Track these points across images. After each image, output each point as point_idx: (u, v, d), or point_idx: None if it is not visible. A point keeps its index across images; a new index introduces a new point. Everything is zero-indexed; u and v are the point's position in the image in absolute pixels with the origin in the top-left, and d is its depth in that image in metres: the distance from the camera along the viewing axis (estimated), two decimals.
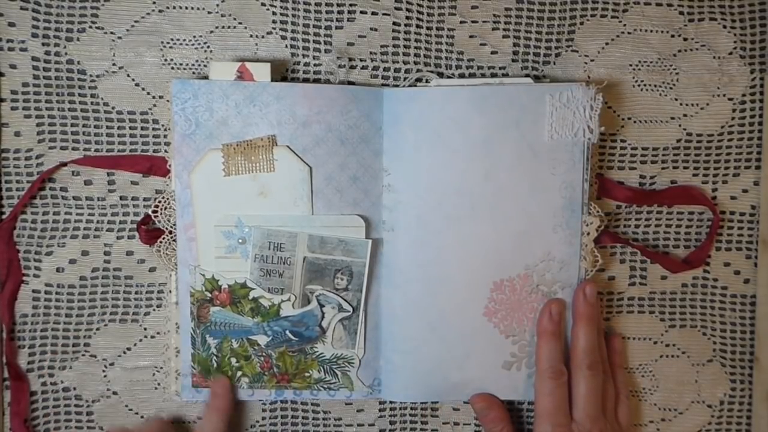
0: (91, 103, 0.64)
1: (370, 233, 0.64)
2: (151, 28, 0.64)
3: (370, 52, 0.66)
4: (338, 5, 0.66)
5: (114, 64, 0.64)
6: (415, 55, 0.66)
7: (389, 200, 0.64)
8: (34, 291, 0.65)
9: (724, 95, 0.68)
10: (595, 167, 0.67)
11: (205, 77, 0.63)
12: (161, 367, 0.67)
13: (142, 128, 0.65)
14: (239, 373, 0.65)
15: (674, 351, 0.70)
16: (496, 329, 0.65)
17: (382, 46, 0.66)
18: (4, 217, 0.64)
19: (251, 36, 0.65)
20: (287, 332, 0.64)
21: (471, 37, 0.67)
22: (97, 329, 0.66)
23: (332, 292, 0.64)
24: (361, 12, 0.66)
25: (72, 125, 0.64)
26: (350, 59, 0.66)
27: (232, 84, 0.62)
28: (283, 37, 0.65)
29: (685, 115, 0.68)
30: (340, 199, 0.63)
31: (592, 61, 0.67)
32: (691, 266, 0.68)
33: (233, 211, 0.63)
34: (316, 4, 0.65)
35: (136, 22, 0.64)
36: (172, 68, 0.65)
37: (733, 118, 0.68)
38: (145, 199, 0.66)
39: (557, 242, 0.64)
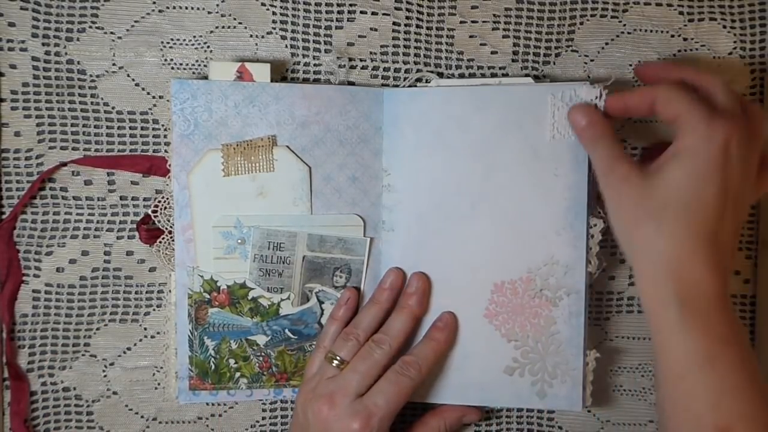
0: (91, 103, 0.64)
1: (370, 233, 0.64)
2: (151, 28, 0.64)
3: (370, 52, 0.66)
4: (338, 5, 0.66)
5: (114, 64, 0.64)
6: (415, 55, 0.66)
7: (389, 200, 0.64)
8: (34, 291, 0.65)
9: None
10: None
11: (205, 77, 0.63)
12: (161, 367, 0.67)
13: (142, 128, 0.65)
14: (237, 374, 0.65)
15: None
16: (497, 332, 0.64)
17: (382, 46, 0.66)
18: (4, 217, 0.64)
19: (251, 36, 0.65)
20: (286, 331, 0.64)
21: (471, 37, 0.67)
22: (97, 329, 0.66)
23: (331, 289, 0.64)
24: (361, 12, 0.66)
25: (72, 125, 0.64)
26: (350, 59, 0.66)
27: (231, 84, 0.62)
28: (283, 37, 0.65)
29: None
30: (339, 199, 0.63)
31: (592, 61, 0.67)
32: None
33: (232, 212, 0.63)
34: (316, 4, 0.65)
35: (136, 22, 0.64)
36: (172, 68, 0.65)
37: None
38: (145, 199, 0.66)
39: (561, 245, 0.63)
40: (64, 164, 0.64)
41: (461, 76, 0.66)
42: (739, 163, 0.53)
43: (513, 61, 0.67)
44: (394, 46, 0.66)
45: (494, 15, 0.67)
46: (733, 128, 0.53)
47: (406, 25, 0.66)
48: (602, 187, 0.57)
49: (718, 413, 0.51)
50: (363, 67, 0.66)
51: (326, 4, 0.65)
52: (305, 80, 0.66)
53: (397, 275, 0.64)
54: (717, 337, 0.52)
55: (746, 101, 0.57)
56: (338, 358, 0.61)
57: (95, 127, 0.64)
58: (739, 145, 0.53)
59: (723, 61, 0.67)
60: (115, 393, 0.67)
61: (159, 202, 0.63)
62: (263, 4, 0.65)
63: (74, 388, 0.66)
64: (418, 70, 0.66)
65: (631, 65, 0.67)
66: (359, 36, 0.66)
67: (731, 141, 0.53)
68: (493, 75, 0.67)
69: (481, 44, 0.67)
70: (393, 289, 0.64)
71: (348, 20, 0.66)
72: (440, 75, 0.66)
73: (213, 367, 0.64)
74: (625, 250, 0.57)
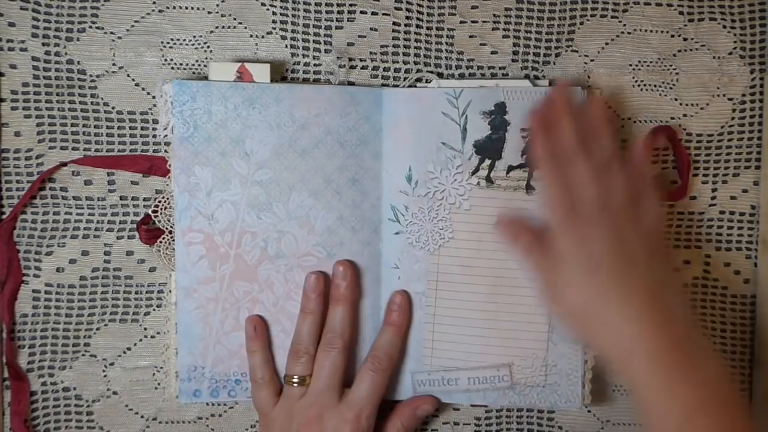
0: (91, 103, 0.64)
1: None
2: (151, 28, 0.64)
3: (370, 52, 0.66)
4: (338, 5, 0.66)
5: (114, 64, 0.64)
6: (415, 55, 0.66)
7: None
8: (34, 291, 0.65)
9: (724, 95, 0.67)
10: None
11: (205, 77, 0.63)
12: (161, 367, 0.67)
13: (142, 128, 0.65)
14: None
15: None
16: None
17: (382, 46, 0.66)
18: (4, 217, 0.64)
19: (251, 36, 0.65)
20: None
21: (471, 37, 0.67)
22: (97, 329, 0.66)
23: None
24: (361, 12, 0.66)
25: (72, 125, 0.64)
26: (350, 59, 0.66)
27: (231, 86, 0.62)
28: (283, 37, 0.65)
29: (685, 115, 0.68)
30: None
31: (592, 61, 0.67)
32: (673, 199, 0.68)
33: None
34: (316, 4, 0.65)
35: (136, 22, 0.64)
36: (172, 68, 0.65)
37: (733, 118, 0.68)
38: (145, 199, 0.66)
39: None
40: (64, 164, 0.64)
41: (461, 76, 0.66)
42: (609, 247, 0.56)
43: (513, 61, 0.67)
44: (394, 46, 0.66)
45: (494, 15, 0.67)
46: (586, 229, 0.57)
47: (406, 25, 0.66)
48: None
49: None
50: (363, 67, 0.66)
51: (326, 4, 0.65)
52: (305, 80, 0.66)
53: (317, 277, 0.63)
54: (684, 411, 0.52)
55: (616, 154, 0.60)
56: (296, 377, 0.62)
57: (95, 127, 0.64)
58: (600, 237, 0.57)
59: (723, 61, 0.67)
60: (115, 393, 0.67)
61: (159, 202, 0.63)
62: (263, 4, 0.65)
63: (74, 388, 0.66)
64: (418, 70, 0.66)
65: (631, 65, 0.67)
66: (359, 36, 0.66)
67: (587, 237, 0.57)
68: (493, 75, 0.67)
69: (481, 44, 0.67)
70: (319, 292, 0.63)
71: (348, 20, 0.66)
72: (440, 75, 0.66)
73: None
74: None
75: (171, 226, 0.63)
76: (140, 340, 0.67)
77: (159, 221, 0.64)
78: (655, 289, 0.56)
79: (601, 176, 0.59)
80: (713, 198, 0.68)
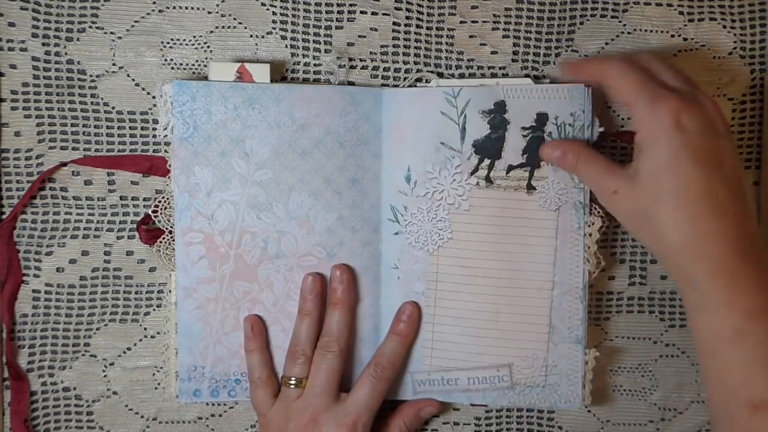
0: (91, 103, 0.64)
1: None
2: (151, 28, 0.64)
3: (370, 52, 0.66)
4: (338, 5, 0.66)
5: (114, 64, 0.64)
6: (415, 55, 0.66)
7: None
8: (34, 291, 0.65)
9: (724, 95, 0.67)
10: None
11: (205, 77, 0.63)
12: (161, 367, 0.67)
13: (142, 128, 0.65)
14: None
15: (674, 351, 0.70)
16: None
17: (382, 46, 0.66)
18: (4, 217, 0.64)
19: (251, 36, 0.65)
20: None
21: (471, 37, 0.67)
22: (97, 329, 0.66)
23: None
24: (361, 12, 0.66)
25: (72, 125, 0.64)
26: (350, 59, 0.66)
27: (231, 86, 0.62)
28: (283, 37, 0.65)
29: None
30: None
31: None
32: None
33: None
34: (316, 4, 0.65)
35: (136, 22, 0.64)
36: (172, 68, 0.65)
37: (733, 118, 0.68)
38: (145, 199, 0.66)
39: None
40: (64, 164, 0.64)
41: (461, 76, 0.66)
42: (701, 131, 0.54)
43: (513, 61, 0.67)
44: (394, 46, 0.66)
45: (494, 15, 0.67)
46: (678, 103, 0.54)
47: (406, 25, 0.66)
48: (601, 203, 0.61)
49: (752, 388, 0.51)
50: (363, 67, 0.66)
51: (326, 4, 0.65)
52: (305, 80, 0.66)
53: (314, 279, 0.64)
54: (744, 312, 0.52)
55: (693, 81, 0.59)
56: (293, 379, 0.62)
57: (95, 127, 0.64)
58: (691, 116, 0.54)
59: (723, 61, 0.67)
60: (115, 393, 0.67)
61: (159, 202, 0.63)
62: (263, 4, 0.65)
63: (74, 388, 0.66)
64: (418, 70, 0.66)
65: None
66: (359, 36, 0.66)
67: (681, 116, 0.54)
68: (493, 75, 0.67)
69: (481, 44, 0.67)
70: (316, 294, 0.64)
71: (348, 20, 0.66)
72: (440, 75, 0.66)
73: None
74: (646, 247, 0.66)
75: (171, 226, 0.63)
76: (140, 340, 0.67)
77: (159, 221, 0.64)
78: (735, 186, 0.55)
79: (677, 68, 0.59)
80: None
